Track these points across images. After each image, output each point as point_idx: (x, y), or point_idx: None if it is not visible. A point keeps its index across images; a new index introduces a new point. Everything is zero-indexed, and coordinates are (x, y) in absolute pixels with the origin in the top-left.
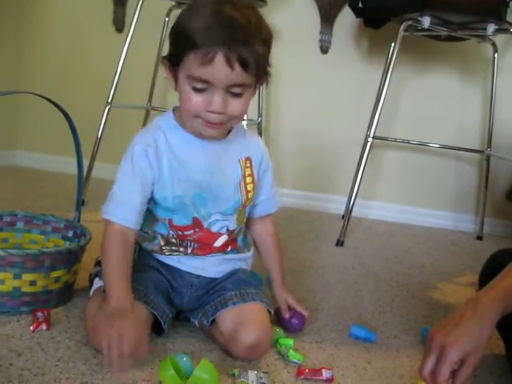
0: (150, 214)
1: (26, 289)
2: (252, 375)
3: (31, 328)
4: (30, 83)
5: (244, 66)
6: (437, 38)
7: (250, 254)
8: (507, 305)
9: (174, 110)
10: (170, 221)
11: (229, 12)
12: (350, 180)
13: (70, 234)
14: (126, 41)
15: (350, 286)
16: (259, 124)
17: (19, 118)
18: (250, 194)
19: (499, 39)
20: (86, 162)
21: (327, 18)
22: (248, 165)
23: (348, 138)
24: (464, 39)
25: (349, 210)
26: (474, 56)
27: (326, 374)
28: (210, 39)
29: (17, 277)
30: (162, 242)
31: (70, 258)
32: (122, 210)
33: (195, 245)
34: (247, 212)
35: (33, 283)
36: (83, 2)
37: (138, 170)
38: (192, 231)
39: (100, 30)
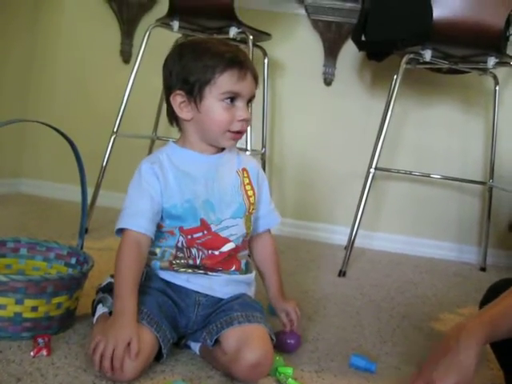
0: (159, 230)
1: (28, 314)
2: None
3: (32, 354)
4: (36, 112)
5: (256, 81)
6: (439, 70)
7: (252, 276)
8: (494, 331)
9: (173, 142)
10: (180, 228)
11: (232, 46)
12: (353, 211)
13: (73, 260)
14: (132, 72)
15: (351, 317)
16: (263, 154)
17: (25, 146)
18: (251, 199)
19: (500, 72)
20: (90, 191)
21: (331, 50)
22: (246, 175)
23: (351, 169)
24: (465, 72)
25: (351, 241)
26: (475, 88)
27: None
28: (240, 60)
29: (19, 302)
30: (171, 258)
31: (72, 285)
32: (134, 219)
33: (203, 254)
34: (253, 221)
35: (34, 309)
36: (91, 34)
37: (145, 184)
38: (201, 234)
39: (107, 61)
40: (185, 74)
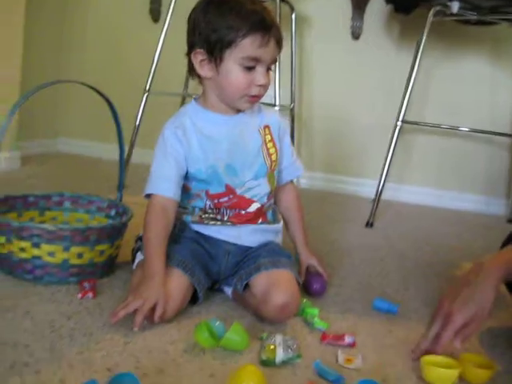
0: (187, 192)
1: (74, 261)
2: (279, 338)
3: (79, 296)
4: (70, 73)
5: (280, 46)
6: (467, 22)
7: (279, 225)
8: (509, 270)
9: (195, 99)
10: (206, 192)
11: (260, 6)
12: (381, 164)
13: (113, 212)
14: (162, 30)
15: (376, 265)
16: (292, 110)
17: (61, 107)
18: (273, 157)
19: None
20: (125, 149)
21: (358, 4)
22: (267, 132)
23: (379, 122)
24: (494, 23)
25: (378, 193)
26: (504, 40)
27: (348, 339)
28: (266, 25)
29: (66, 249)
30: (201, 213)
31: (113, 234)
32: (160, 183)
33: (230, 212)
34: (276, 175)
35: (80, 256)
36: None
37: (170, 149)
38: (226, 198)
39: (137, 21)
40: (207, 33)
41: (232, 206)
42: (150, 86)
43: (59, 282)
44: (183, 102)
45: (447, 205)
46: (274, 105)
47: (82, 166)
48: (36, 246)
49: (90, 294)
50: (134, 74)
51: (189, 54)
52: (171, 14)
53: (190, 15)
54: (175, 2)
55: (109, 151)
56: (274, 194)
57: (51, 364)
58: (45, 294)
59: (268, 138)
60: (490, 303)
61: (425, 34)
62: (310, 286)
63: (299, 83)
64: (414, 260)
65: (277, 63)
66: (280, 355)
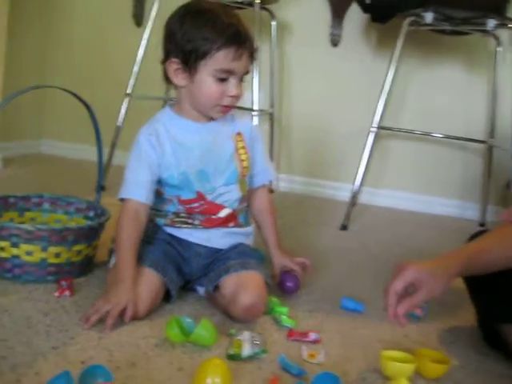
0: (160, 196)
1: (52, 260)
2: (246, 334)
3: (56, 294)
4: (54, 76)
5: (252, 58)
6: (442, 32)
7: (250, 229)
8: (468, 265)
9: (170, 106)
10: (178, 197)
11: (236, 18)
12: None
13: (91, 213)
14: (143, 35)
15: (347, 266)
16: (271, 114)
17: (45, 109)
18: (244, 163)
19: (503, 33)
20: (106, 151)
21: (337, 12)
22: (240, 139)
23: (357, 128)
24: (468, 33)
25: (352, 196)
26: (478, 49)
27: (313, 336)
28: (240, 39)
29: (44, 249)
30: (173, 217)
31: (91, 234)
32: (133, 188)
33: (201, 217)
34: (248, 182)
35: (57, 255)
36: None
37: (144, 155)
38: (197, 204)
39: (120, 25)
40: (183, 43)
41: (203, 212)
42: (131, 90)
43: (37, 280)
44: (164, 106)
45: (423, 209)
46: (252, 110)
47: (64, 167)
48: (15, 245)
49: (67, 292)
50: (117, 77)
51: (164, 62)
52: (153, 19)
53: (167, 24)
54: (157, 7)
55: (91, 153)
56: (247, 198)
57: (27, 357)
58: (23, 292)
59: (240, 144)
60: (439, 288)
61: (399, 44)
62: (283, 284)
63: (279, 88)
64: (384, 262)
65: (255, 69)
66: (246, 350)
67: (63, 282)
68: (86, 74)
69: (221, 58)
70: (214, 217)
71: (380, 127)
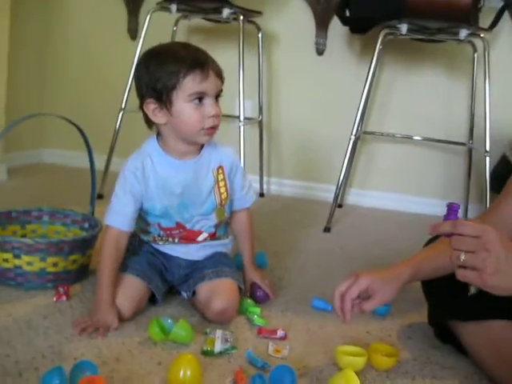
0: (142, 220)
1: (50, 269)
2: (219, 333)
3: (54, 299)
4: (52, 89)
5: (221, 77)
6: (421, 40)
7: (227, 240)
8: (416, 273)
9: (157, 136)
10: (158, 224)
11: (192, 48)
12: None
13: (86, 225)
14: (137, 49)
15: (324, 267)
16: (260, 122)
17: (46, 119)
18: (223, 195)
19: (479, 40)
20: (104, 158)
21: (322, 22)
22: (220, 172)
23: (343, 132)
24: (444, 41)
25: (335, 199)
26: (457, 54)
27: (280, 333)
28: (201, 62)
29: (42, 259)
30: (155, 236)
31: (85, 245)
32: (117, 217)
33: (181, 240)
34: (227, 208)
35: (55, 265)
36: (100, 14)
37: (129, 187)
38: (177, 231)
39: (115, 39)
40: (152, 83)
41: (182, 237)
42: (125, 104)
43: (38, 287)
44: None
45: (408, 208)
46: (239, 118)
47: (65, 176)
48: (17, 257)
49: (64, 297)
50: (114, 88)
51: (141, 105)
52: (144, 35)
53: (135, 72)
54: (148, 24)
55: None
56: (231, 215)
57: (28, 355)
58: (25, 298)
59: (220, 177)
60: (391, 293)
61: (376, 55)
62: (254, 295)
63: (268, 96)
64: (360, 263)
65: (240, 78)
66: (218, 346)
67: (60, 288)
68: (85, 86)
69: (189, 83)
70: (192, 241)
71: (364, 132)
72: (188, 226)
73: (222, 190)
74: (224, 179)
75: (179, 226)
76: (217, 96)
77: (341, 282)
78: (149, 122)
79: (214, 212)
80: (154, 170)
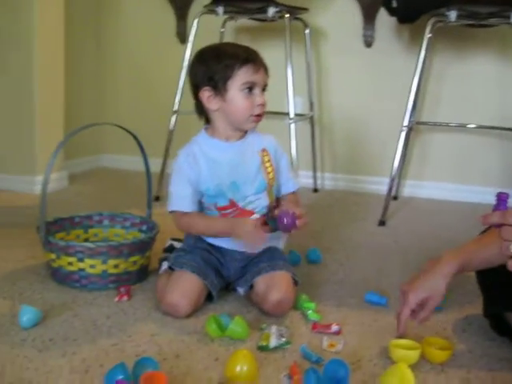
0: (200, 206)
1: (112, 271)
2: (274, 328)
3: (116, 299)
4: (109, 95)
5: (267, 73)
6: (472, 25)
7: (279, 234)
8: (465, 264)
9: (205, 129)
10: (215, 204)
11: (242, 46)
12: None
13: (144, 227)
14: (185, 53)
15: (378, 261)
16: (311, 118)
17: (103, 125)
18: (270, 175)
19: None
20: (160, 161)
21: (369, 14)
22: (265, 153)
23: (394, 124)
24: (498, 25)
25: (388, 191)
26: (510, 39)
27: (334, 328)
28: (253, 58)
29: (104, 262)
30: None
31: (143, 247)
32: (178, 201)
33: None
34: (275, 191)
35: (116, 266)
36: (149, 20)
37: (183, 173)
38: (230, 210)
39: (165, 43)
40: (210, 73)
41: (236, 217)
42: (177, 106)
43: (100, 288)
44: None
45: (463, 198)
46: (289, 116)
47: (124, 180)
48: (80, 260)
49: (126, 298)
50: (166, 92)
51: (196, 94)
52: (193, 38)
53: (191, 67)
54: (197, 24)
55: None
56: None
57: (93, 353)
58: (89, 299)
59: (266, 158)
60: (441, 294)
61: (424, 44)
62: (280, 220)
63: (318, 91)
64: (415, 256)
65: (289, 76)
66: (273, 342)
67: (122, 289)
68: (138, 91)
69: (243, 74)
70: None
71: (417, 122)
72: (241, 205)
73: (269, 169)
74: (270, 160)
75: (232, 204)
76: (263, 89)
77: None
78: (200, 110)
79: (265, 190)
80: (203, 153)
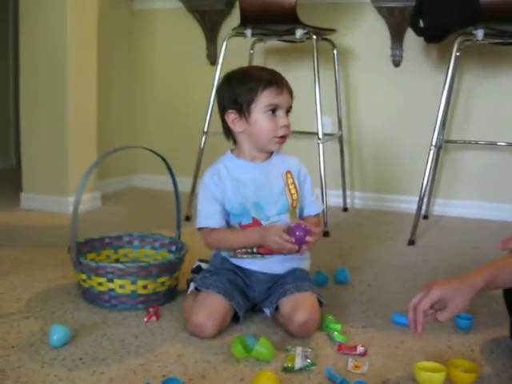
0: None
1: (141, 291)
2: (299, 349)
3: (145, 319)
4: (141, 117)
5: (291, 94)
6: (500, 43)
7: (305, 255)
8: (492, 279)
9: (231, 151)
10: (239, 223)
11: (266, 69)
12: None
13: (174, 248)
14: (215, 74)
15: (406, 281)
16: (340, 137)
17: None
18: (294, 196)
19: None
20: (190, 180)
21: (396, 34)
22: (289, 176)
23: (424, 142)
24: None
25: (417, 210)
26: None
27: (360, 349)
28: (276, 80)
29: (133, 283)
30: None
31: (172, 268)
32: (206, 219)
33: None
34: (297, 212)
35: (145, 287)
36: (181, 43)
37: (209, 192)
38: None
39: (196, 65)
40: (234, 97)
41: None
42: (207, 127)
43: (130, 308)
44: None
45: (494, 216)
46: (318, 135)
47: (154, 200)
48: (110, 280)
49: (154, 318)
50: (196, 113)
51: (222, 116)
52: (222, 60)
53: (218, 90)
54: (225, 49)
55: (180, 184)
56: None
57: (121, 372)
58: (118, 319)
59: (290, 180)
60: (464, 301)
61: (452, 61)
62: (293, 232)
63: (347, 111)
64: (445, 276)
65: (317, 96)
66: (298, 363)
67: (151, 309)
68: (169, 112)
69: (266, 96)
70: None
71: (446, 141)
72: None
73: (293, 191)
74: (293, 183)
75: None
76: (287, 111)
77: (416, 294)
78: (227, 132)
79: (287, 212)
80: (229, 172)
